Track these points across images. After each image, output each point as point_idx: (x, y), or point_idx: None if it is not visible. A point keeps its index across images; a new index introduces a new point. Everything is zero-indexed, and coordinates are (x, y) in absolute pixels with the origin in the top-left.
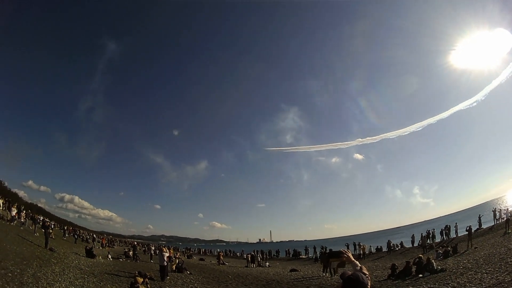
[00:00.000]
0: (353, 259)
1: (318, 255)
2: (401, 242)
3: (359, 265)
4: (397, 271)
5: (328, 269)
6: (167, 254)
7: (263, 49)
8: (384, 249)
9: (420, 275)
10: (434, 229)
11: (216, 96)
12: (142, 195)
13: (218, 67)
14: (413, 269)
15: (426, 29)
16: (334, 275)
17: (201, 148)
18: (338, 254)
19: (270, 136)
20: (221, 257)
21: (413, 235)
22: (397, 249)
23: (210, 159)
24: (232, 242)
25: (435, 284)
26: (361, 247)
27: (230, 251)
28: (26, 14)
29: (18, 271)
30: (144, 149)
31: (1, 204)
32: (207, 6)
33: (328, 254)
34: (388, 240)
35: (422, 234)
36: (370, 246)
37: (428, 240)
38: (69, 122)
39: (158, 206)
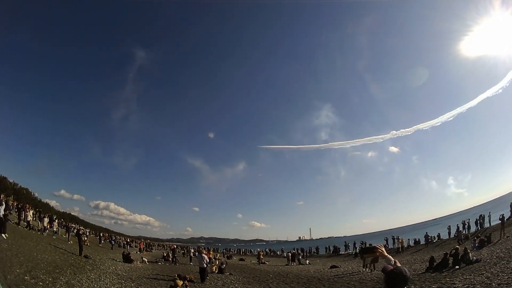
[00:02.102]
0: (387, 254)
1: (358, 250)
2: (438, 234)
3: (393, 259)
4: (435, 263)
5: (370, 264)
6: (206, 256)
7: (290, 48)
8: (422, 241)
9: (457, 267)
10: (469, 219)
11: (248, 96)
12: (180, 198)
13: (248, 68)
14: (450, 261)
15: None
16: (374, 270)
17: (239, 149)
18: (372, 250)
19: (306, 134)
20: (261, 257)
21: (449, 226)
22: (434, 241)
23: (248, 160)
24: (271, 241)
25: (470, 275)
26: (399, 241)
27: (270, 250)
28: (56, 29)
29: (50, 279)
30: (181, 153)
31: (32, 215)
32: (234, 9)
33: (362, 250)
34: (426, 233)
35: (457, 225)
36: (408, 239)
37: (464, 230)
38: (103, 132)
39: (196, 209)
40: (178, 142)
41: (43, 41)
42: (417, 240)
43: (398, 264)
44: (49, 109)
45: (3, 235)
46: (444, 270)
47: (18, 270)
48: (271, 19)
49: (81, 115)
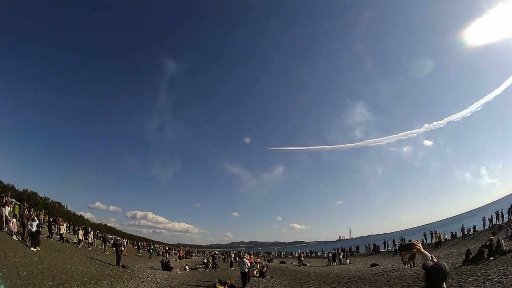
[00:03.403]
0: (423, 250)
1: (397, 247)
2: (474, 226)
3: (429, 255)
4: (471, 256)
5: (408, 261)
6: (248, 260)
7: (318, 50)
8: (459, 234)
9: (491, 258)
10: (502, 209)
11: (281, 100)
12: (219, 204)
13: (277, 72)
14: (485, 252)
15: None
16: (414, 266)
17: (276, 153)
18: (410, 246)
19: (341, 133)
20: (302, 258)
21: (484, 217)
22: (470, 233)
23: (286, 163)
24: (312, 242)
25: (503, 265)
26: (437, 235)
27: (310, 251)
28: (88, 45)
29: None
30: (219, 160)
31: (65, 228)
32: (262, 15)
33: (400, 247)
34: (462, 225)
35: (491, 215)
36: (444, 233)
37: (497, 221)
38: (139, 144)
39: (235, 214)
40: (214, 150)
41: (79, 56)
42: (453, 233)
43: (435, 260)
44: (82, 127)
45: (32, 248)
46: (479, 262)
47: (50, 283)
48: (298, 24)
49: (115, 130)
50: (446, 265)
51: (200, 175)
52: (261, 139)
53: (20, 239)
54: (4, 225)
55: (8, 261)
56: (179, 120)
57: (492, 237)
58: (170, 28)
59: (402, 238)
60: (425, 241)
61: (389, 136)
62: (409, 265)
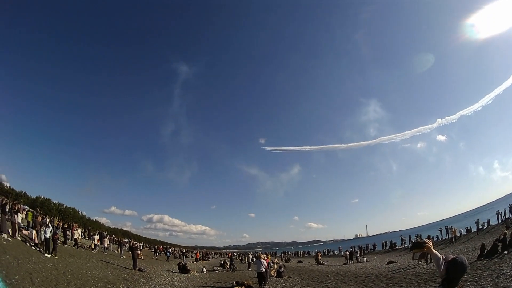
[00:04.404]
0: (434, 250)
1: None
2: (488, 220)
3: (439, 255)
4: (486, 250)
5: (419, 259)
6: (265, 261)
7: (329, 48)
8: (474, 229)
9: (505, 252)
10: None
11: (294, 99)
12: (235, 206)
13: (290, 72)
14: (499, 246)
15: None
16: (430, 262)
17: (292, 153)
18: (422, 245)
19: (355, 131)
20: (319, 257)
21: (498, 211)
22: (484, 228)
23: (302, 162)
24: (329, 241)
25: None
26: (452, 231)
27: (328, 250)
28: (97, 60)
29: None
30: (236, 162)
31: (80, 233)
32: (272, 15)
33: (413, 244)
34: (477, 220)
35: (505, 209)
36: (460, 230)
37: (511, 214)
38: (154, 149)
39: (252, 215)
40: (230, 151)
41: (92, 69)
42: (468, 228)
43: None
44: (98, 135)
45: (46, 254)
46: (494, 257)
47: None
48: (306, 23)
49: (130, 136)
50: (466, 260)
51: (216, 177)
52: (276, 139)
53: (33, 246)
54: (17, 232)
55: (20, 268)
56: (194, 123)
57: (505, 231)
58: (181, 32)
59: (418, 234)
60: (440, 237)
61: (403, 133)
62: (424, 262)
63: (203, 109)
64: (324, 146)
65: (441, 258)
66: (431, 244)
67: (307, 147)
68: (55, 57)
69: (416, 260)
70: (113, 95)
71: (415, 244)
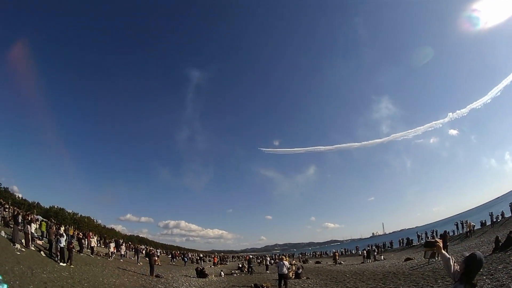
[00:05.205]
0: (443, 251)
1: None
2: (502, 212)
3: (448, 256)
4: (500, 244)
5: (429, 257)
6: (287, 262)
7: (339, 47)
8: (488, 222)
9: None
10: None
11: (306, 100)
12: (252, 209)
13: (301, 73)
14: None
15: None
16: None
17: (307, 154)
18: (433, 244)
19: (368, 129)
20: (337, 257)
21: (511, 203)
22: (498, 220)
23: (317, 163)
24: (346, 240)
25: None
26: (468, 225)
27: (345, 250)
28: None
29: None
30: (251, 165)
31: (96, 241)
32: (280, 18)
33: (426, 242)
34: (491, 213)
35: None
36: (474, 224)
37: None
38: (169, 155)
39: (269, 217)
40: (246, 155)
41: (105, 78)
42: (483, 221)
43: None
44: (112, 144)
45: (62, 263)
46: (508, 249)
47: None
48: (314, 22)
49: (145, 141)
50: (482, 255)
51: (232, 181)
52: (290, 140)
53: (48, 255)
54: (30, 242)
55: (35, 278)
56: (208, 128)
57: None
58: (191, 38)
59: (433, 230)
60: (456, 232)
61: (415, 129)
62: (434, 259)
63: (217, 113)
64: (338, 145)
65: (450, 258)
66: (442, 244)
67: (321, 147)
68: (72, 65)
69: (428, 259)
70: (127, 101)
71: (428, 242)
